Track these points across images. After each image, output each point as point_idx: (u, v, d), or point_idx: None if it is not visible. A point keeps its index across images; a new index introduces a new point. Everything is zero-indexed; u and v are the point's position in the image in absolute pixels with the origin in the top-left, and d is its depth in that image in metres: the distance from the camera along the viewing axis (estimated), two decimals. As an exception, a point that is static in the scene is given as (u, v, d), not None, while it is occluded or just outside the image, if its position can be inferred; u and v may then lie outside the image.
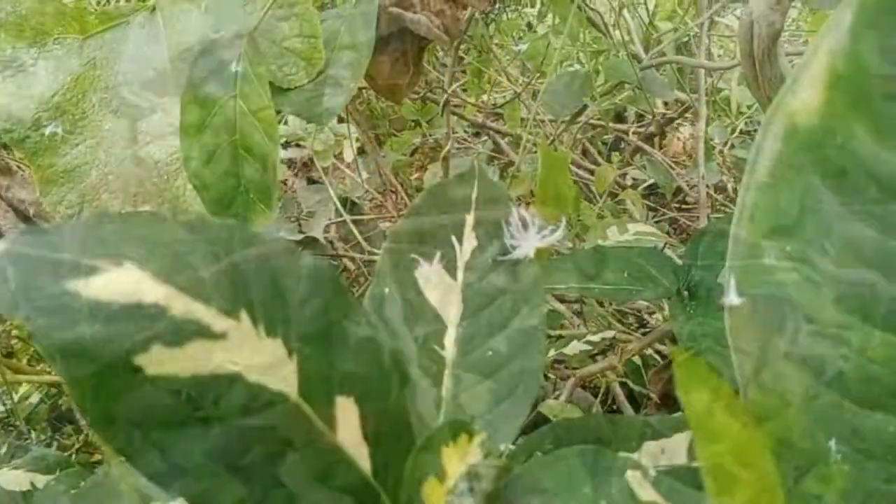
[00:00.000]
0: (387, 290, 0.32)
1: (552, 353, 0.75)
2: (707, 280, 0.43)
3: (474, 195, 0.34)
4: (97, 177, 0.44)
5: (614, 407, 0.81)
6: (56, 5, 0.45)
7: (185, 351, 0.20)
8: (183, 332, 0.20)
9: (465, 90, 1.19)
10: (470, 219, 0.34)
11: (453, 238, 0.33)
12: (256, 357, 0.22)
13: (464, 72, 1.21)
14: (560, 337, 0.79)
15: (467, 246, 0.33)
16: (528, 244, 0.31)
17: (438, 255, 0.33)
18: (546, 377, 0.74)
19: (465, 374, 0.31)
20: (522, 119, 1.21)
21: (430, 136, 1.27)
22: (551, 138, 0.84)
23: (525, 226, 0.31)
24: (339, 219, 1.01)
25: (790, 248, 0.30)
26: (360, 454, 0.24)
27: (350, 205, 1.08)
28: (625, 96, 0.73)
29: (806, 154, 0.30)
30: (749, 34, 0.45)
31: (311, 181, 1.25)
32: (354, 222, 1.05)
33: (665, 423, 0.35)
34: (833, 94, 0.29)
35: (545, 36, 0.83)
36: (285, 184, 1.11)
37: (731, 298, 0.29)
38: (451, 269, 0.33)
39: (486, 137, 1.36)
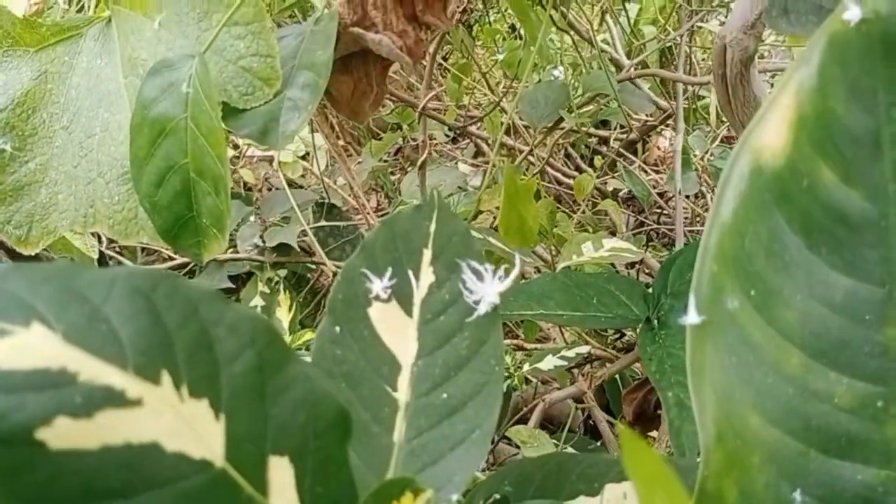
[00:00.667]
0: (338, 328, 0.30)
1: (527, 367, 0.74)
2: (677, 308, 0.42)
3: (432, 228, 0.33)
4: (46, 195, 0.42)
5: (591, 422, 0.81)
6: (7, 16, 0.43)
7: (95, 421, 0.19)
8: (92, 401, 0.19)
9: (446, 94, 1.18)
10: (427, 253, 0.32)
11: (409, 273, 0.32)
12: (177, 423, 0.20)
13: (444, 75, 1.20)
14: (536, 350, 0.78)
15: (424, 281, 0.32)
16: (487, 293, 0.29)
17: (393, 291, 0.32)
18: (516, 390, 0.73)
19: (419, 419, 0.30)
20: (503, 124, 1.20)
21: (411, 139, 1.26)
22: (528, 148, 0.82)
23: (480, 276, 0.29)
24: (316, 224, 1.00)
25: (754, 292, 0.29)
26: (295, 519, 0.23)
27: (327, 209, 1.06)
28: (601, 110, 0.71)
29: (771, 195, 0.28)
30: (722, 58, 0.44)
31: (290, 184, 1.23)
32: (334, 227, 1.03)
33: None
34: (799, 134, 0.28)
35: (522, 45, 0.81)
36: (260, 191, 1.09)
37: (692, 318, 0.28)
38: (406, 305, 0.32)
39: (468, 141, 1.34)
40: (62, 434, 0.18)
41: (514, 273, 0.29)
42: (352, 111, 0.40)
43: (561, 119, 0.72)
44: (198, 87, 0.35)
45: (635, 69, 0.79)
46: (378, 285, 0.31)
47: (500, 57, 0.93)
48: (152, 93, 0.36)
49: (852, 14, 0.26)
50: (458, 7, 0.78)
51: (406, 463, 0.29)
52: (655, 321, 0.41)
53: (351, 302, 0.31)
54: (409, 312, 0.31)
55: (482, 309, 0.29)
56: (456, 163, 1.10)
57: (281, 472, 0.23)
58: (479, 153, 1.35)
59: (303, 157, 0.88)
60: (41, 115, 0.43)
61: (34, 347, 0.19)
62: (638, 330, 0.45)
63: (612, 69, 1.08)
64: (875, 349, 0.27)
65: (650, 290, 0.43)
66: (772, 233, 0.28)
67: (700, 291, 0.29)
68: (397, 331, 0.31)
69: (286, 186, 0.57)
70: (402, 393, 0.30)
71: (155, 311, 0.21)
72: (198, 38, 0.39)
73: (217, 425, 0.21)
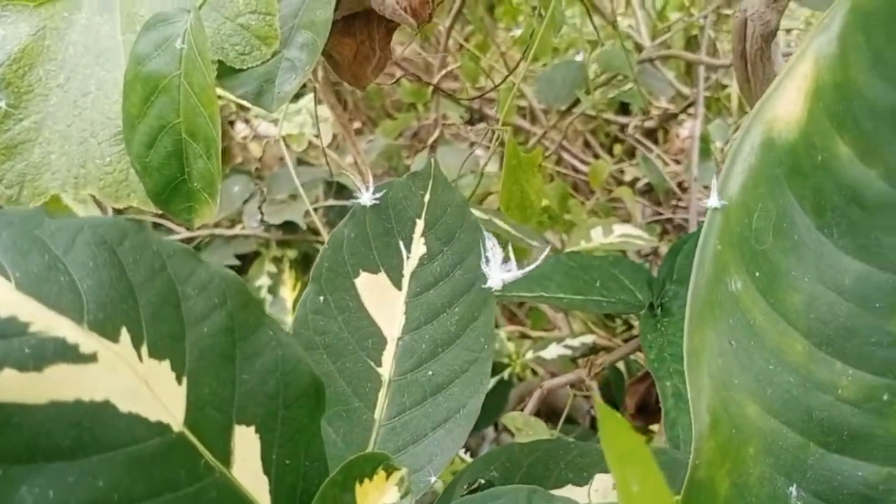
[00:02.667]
0: (322, 298, 0.29)
1: (530, 354, 0.72)
2: (681, 295, 0.40)
3: (427, 198, 0.31)
4: (39, 155, 0.41)
5: (592, 412, 0.79)
6: (7, -31, 0.42)
7: (44, 376, 0.18)
8: (42, 354, 0.18)
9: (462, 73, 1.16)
10: (420, 224, 0.31)
11: (400, 244, 0.31)
12: (134, 383, 0.19)
13: (463, 55, 1.18)
14: (541, 339, 0.76)
15: (415, 253, 0.31)
16: (493, 277, 0.28)
17: (382, 261, 0.30)
18: (520, 378, 0.72)
19: (402, 396, 0.29)
20: (519, 107, 1.18)
21: (426, 119, 1.24)
22: (544, 130, 0.80)
23: (486, 258, 0.28)
24: (324, 203, 0.99)
25: (759, 273, 0.27)
26: (259, 490, 0.21)
27: (337, 188, 1.05)
28: (621, 91, 0.69)
29: (783, 170, 0.27)
30: (742, 32, 0.42)
31: (300, 161, 1.21)
32: (344, 206, 1.02)
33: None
34: (816, 105, 0.26)
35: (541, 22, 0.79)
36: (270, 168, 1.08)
37: (714, 201, 0.27)
38: (395, 277, 0.30)
39: (483, 123, 1.32)
40: (7, 386, 0.17)
41: (518, 273, 0.28)
42: (353, 76, 0.39)
43: (578, 101, 0.70)
44: (192, 42, 0.34)
45: (657, 50, 0.76)
46: (367, 255, 0.30)
47: (517, 33, 0.91)
48: (146, 48, 0.35)
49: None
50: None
51: (386, 440, 0.28)
52: (658, 308, 0.40)
53: (337, 271, 0.30)
54: (397, 285, 0.30)
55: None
56: (471, 145, 1.08)
57: (246, 441, 0.21)
58: (499, 137, 1.33)
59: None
60: (38, 72, 0.42)
61: (-17, 295, 0.18)
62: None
63: (634, 52, 1.06)
64: (884, 339, 0.25)
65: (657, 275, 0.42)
66: (781, 211, 0.27)
67: (702, 271, 0.28)
68: (385, 303, 0.30)
69: (290, 163, 0.56)
70: (386, 368, 0.29)
71: (120, 264, 0.20)
72: (196, -6, 0.38)
73: (179, 388, 0.20)
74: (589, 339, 0.68)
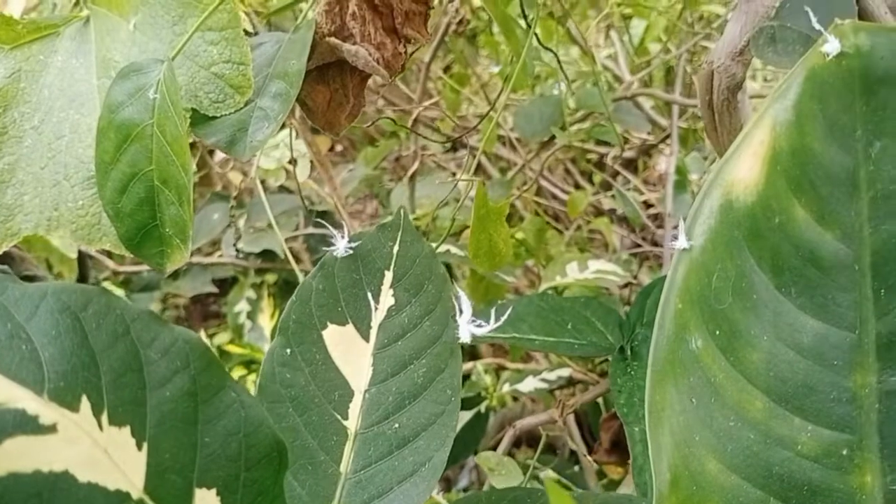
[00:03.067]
0: (289, 350, 0.29)
1: (506, 387, 0.72)
2: (651, 338, 0.40)
3: (395, 249, 0.32)
4: (12, 196, 0.41)
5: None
6: (-17, 11, 0.42)
7: (3, 448, 0.18)
8: (2, 426, 0.18)
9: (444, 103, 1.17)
10: (389, 275, 0.31)
11: (369, 295, 0.31)
12: (94, 452, 0.19)
13: (444, 81, 1.19)
14: (518, 371, 0.77)
15: (384, 304, 0.31)
16: (463, 331, 0.28)
17: (350, 314, 0.31)
18: (494, 410, 0.72)
19: (368, 449, 0.29)
20: (500, 136, 1.19)
21: (408, 147, 1.25)
22: (522, 163, 0.81)
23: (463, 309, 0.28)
24: (304, 231, 0.99)
25: (719, 332, 0.28)
26: (219, 554, 0.21)
27: (318, 216, 1.05)
28: (596, 126, 0.71)
29: (741, 232, 0.27)
30: (709, 84, 0.43)
31: (283, 189, 1.22)
32: (324, 234, 1.02)
33: (605, 501, 0.33)
34: (773, 170, 0.27)
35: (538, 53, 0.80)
36: (252, 192, 1.08)
37: (682, 243, 0.27)
38: (363, 329, 0.31)
39: (464, 152, 1.33)
40: (-37, 462, 0.17)
41: (485, 329, 0.28)
42: (327, 122, 0.39)
43: (553, 138, 0.71)
44: (165, 93, 0.34)
45: (633, 88, 0.78)
46: (335, 307, 0.30)
47: (496, 69, 0.92)
48: (119, 96, 0.35)
49: (831, 47, 0.25)
50: (454, 18, 0.78)
51: (352, 494, 0.28)
52: (629, 351, 0.40)
53: (305, 323, 0.30)
54: (365, 336, 0.30)
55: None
56: (453, 174, 1.09)
57: (208, 504, 0.22)
58: (480, 165, 1.34)
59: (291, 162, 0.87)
60: (12, 114, 0.42)
61: (-59, 368, 0.18)
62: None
63: (615, 85, 1.07)
64: (843, 395, 0.26)
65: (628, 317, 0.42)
66: (740, 271, 0.27)
67: (663, 329, 0.28)
68: (352, 355, 0.30)
69: (263, 198, 0.56)
70: (353, 421, 0.29)
71: (82, 331, 0.20)
72: (171, 42, 0.38)
73: (139, 454, 0.20)
74: (565, 372, 0.68)
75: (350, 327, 0.30)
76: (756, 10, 0.42)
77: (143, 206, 0.36)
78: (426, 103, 0.79)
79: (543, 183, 1.14)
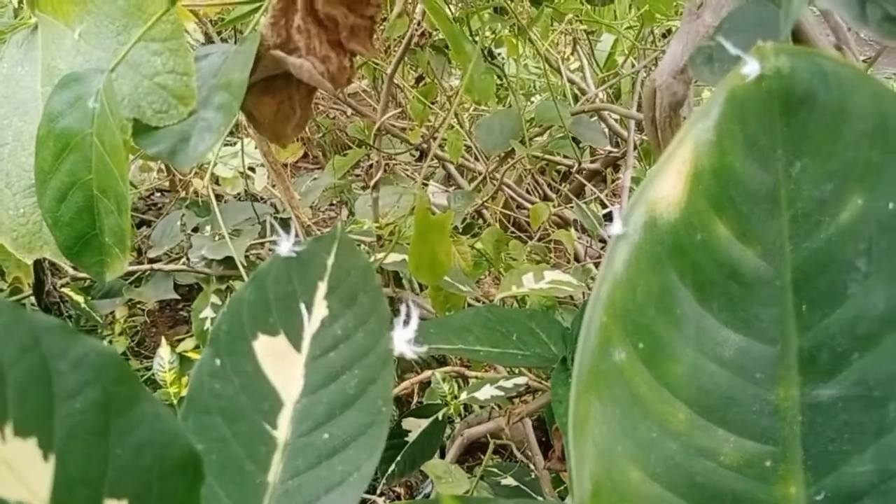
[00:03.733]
0: (219, 361, 0.30)
1: (464, 396, 0.73)
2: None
3: (330, 261, 0.32)
4: (-47, 204, 0.41)
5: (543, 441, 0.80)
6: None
7: None
8: None
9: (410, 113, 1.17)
10: (322, 286, 0.32)
11: (302, 306, 0.31)
12: (-5, 463, 0.19)
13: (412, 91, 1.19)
14: (477, 378, 0.77)
15: (317, 316, 0.31)
16: (398, 343, 0.29)
17: (282, 324, 0.31)
18: (451, 418, 0.72)
19: (297, 459, 0.29)
20: (469, 148, 1.20)
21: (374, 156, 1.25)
22: (482, 175, 0.82)
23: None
24: (270, 238, 0.99)
25: (643, 345, 0.28)
26: (128, 567, 0.21)
27: (282, 223, 1.05)
28: (554, 140, 0.71)
29: (664, 249, 0.28)
30: (652, 101, 0.44)
31: (249, 195, 1.21)
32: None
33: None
34: (695, 189, 0.27)
35: (488, 71, 0.81)
36: (220, 198, 1.08)
37: (616, 228, 0.27)
38: (295, 339, 0.31)
39: (434, 161, 1.34)
40: None
41: (414, 320, 0.28)
42: (274, 134, 0.40)
43: (512, 151, 0.72)
44: (104, 103, 0.34)
45: (590, 102, 0.79)
46: (267, 318, 0.30)
47: (456, 82, 0.93)
48: (59, 106, 0.35)
49: (751, 69, 0.26)
50: (416, 31, 0.78)
51: (278, 504, 0.28)
52: (570, 362, 0.41)
53: (235, 334, 0.30)
54: (297, 347, 0.31)
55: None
56: (424, 183, 1.09)
57: (118, 515, 0.22)
58: (449, 175, 1.35)
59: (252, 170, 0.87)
60: (-45, 121, 0.41)
61: None
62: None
63: (580, 98, 1.08)
64: (765, 408, 0.27)
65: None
66: (663, 286, 0.28)
67: (587, 342, 0.29)
68: (283, 366, 0.30)
69: (214, 203, 0.56)
70: (282, 431, 0.29)
71: (-10, 341, 0.20)
72: (115, 51, 0.38)
73: (45, 466, 0.20)
74: (522, 380, 0.69)
75: (282, 338, 0.31)
76: (697, 30, 0.43)
77: (82, 215, 0.36)
78: (388, 114, 0.79)
79: (511, 193, 1.15)
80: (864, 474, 0.26)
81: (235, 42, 0.62)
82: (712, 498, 0.27)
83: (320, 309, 0.31)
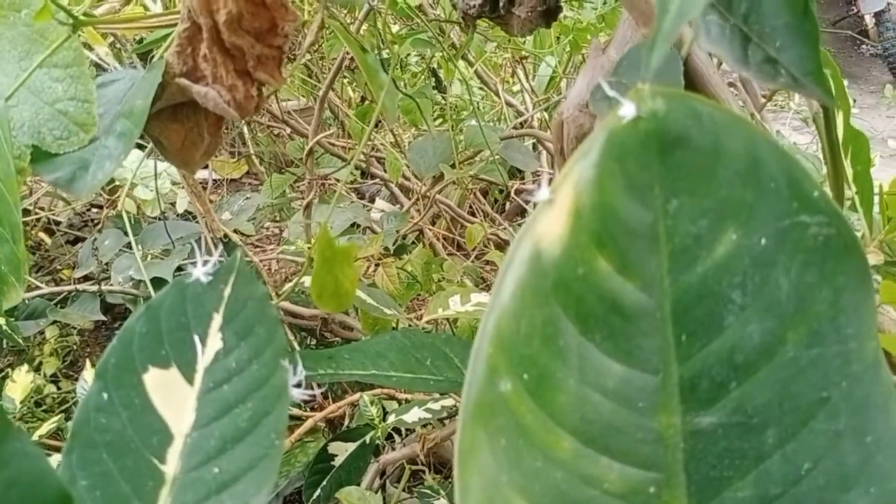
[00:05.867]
0: (106, 395, 0.29)
1: (392, 419, 0.73)
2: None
3: (227, 292, 0.32)
4: None
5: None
6: None
7: None
8: None
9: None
10: (218, 318, 0.32)
11: (195, 338, 0.31)
12: None
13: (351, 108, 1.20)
14: (408, 401, 0.77)
15: (211, 348, 0.31)
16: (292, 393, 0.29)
17: (174, 357, 0.31)
18: (380, 441, 0.72)
19: (185, 494, 0.29)
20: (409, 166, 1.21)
21: (317, 173, 1.25)
22: (416, 196, 0.83)
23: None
24: (203, 258, 0.97)
25: (527, 376, 0.29)
26: None
27: (223, 243, 1.03)
28: (485, 164, 0.72)
29: (548, 282, 0.29)
30: (560, 132, 0.46)
31: (185, 214, 1.20)
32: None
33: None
34: (577, 224, 0.28)
35: (420, 91, 0.82)
36: (161, 217, 1.06)
37: (543, 195, 0.27)
38: (188, 372, 0.31)
39: (374, 180, 1.34)
40: None
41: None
42: (182, 161, 0.39)
43: (443, 175, 0.73)
44: (-2, 130, 0.34)
45: (526, 125, 0.80)
46: (158, 350, 0.30)
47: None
48: (-48, 132, 0.35)
49: (627, 111, 0.27)
50: (347, 54, 0.79)
51: (164, 541, 0.28)
52: (479, 389, 0.41)
53: (124, 367, 0.30)
54: (189, 380, 0.30)
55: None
56: (372, 199, 1.09)
57: (-22, 560, 0.21)
58: (393, 195, 1.35)
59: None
60: None
61: None
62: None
63: (513, 120, 1.10)
64: (648, 436, 0.28)
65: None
66: (547, 318, 0.29)
67: (475, 373, 0.29)
68: (174, 399, 0.30)
69: (129, 230, 0.55)
70: (171, 466, 0.29)
71: None
72: (17, 76, 0.37)
73: None
74: (449, 402, 0.69)
75: (174, 371, 0.30)
76: (602, 66, 0.45)
77: (-25, 243, 0.35)
78: (323, 134, 0.79)
79: (452, 214, 1.16)
80: (745, 499, 0.27)
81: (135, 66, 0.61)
82: (598, 525, 0.28)
83: (215, 341, 0.31)
